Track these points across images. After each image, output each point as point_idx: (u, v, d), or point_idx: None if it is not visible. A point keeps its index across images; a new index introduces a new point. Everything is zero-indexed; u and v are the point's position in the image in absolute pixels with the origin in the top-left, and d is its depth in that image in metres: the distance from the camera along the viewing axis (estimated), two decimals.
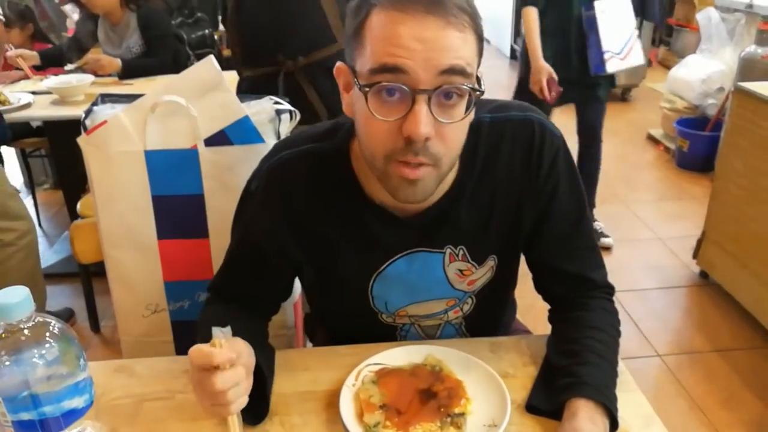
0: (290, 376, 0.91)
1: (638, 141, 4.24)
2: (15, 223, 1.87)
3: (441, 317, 0.99)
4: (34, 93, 2.45)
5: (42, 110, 2.33)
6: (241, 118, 1.15)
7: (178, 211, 1.19)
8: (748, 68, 3.12)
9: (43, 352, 0.58)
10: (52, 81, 2.44)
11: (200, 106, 1.14)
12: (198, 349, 0.71)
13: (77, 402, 0.60)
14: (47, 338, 0.58)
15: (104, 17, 2.81)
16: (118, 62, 2.63)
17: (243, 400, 0.73)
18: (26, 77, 2.79)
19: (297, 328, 1.33)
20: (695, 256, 2.57)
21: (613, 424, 0.78)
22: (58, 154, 2.64)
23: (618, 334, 0.91)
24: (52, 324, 0.60)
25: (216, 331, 0.72)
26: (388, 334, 1.00)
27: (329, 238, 0.90)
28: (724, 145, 2.38)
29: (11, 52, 2.78)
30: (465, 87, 0.71)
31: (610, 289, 0.95)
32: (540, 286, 0.98)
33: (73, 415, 0.60)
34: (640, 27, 4.69)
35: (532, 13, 2.51)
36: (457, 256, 0.91)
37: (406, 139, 0.71)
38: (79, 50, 2.90)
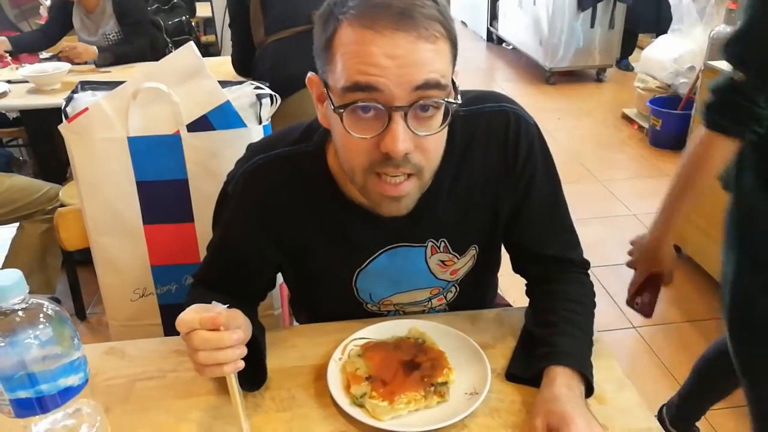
0: (278, 353, 0.94)
1: (613, 120, 4.31)
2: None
3: (425, 305, 1.02)
4: (9, 82, 2.42)
5: (18, 99, 2.31)
6: (223, 103, 1.16)
7: (162, 196, 1.21)
8: (718, 47, 3.17)
9: (38, 332, 0.60)
10: (27, 69, 2.41)
11: (182, 92, 1.15)
12: (203, 308, 0.73)
13: (72, 380, 0.62)
14: (41, 319, 0.60)
15: (78, 3, 2.77)
16: (94, 49, 2.60)
17: (240, 363, 0.75)
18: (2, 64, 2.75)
19: (283, 309, 1.36)
20: None
21: (589, 389, 0.83)
22: (36, 144, 2.62)
23: (593, 305, 0.95)
24: (45, 306, 0.62)
25: (215, 303, 0.74)
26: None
27: (309, 241, 0.91)
28: (695, 122, 2.43)
29: None
30: (441, 101, 0.71)
31: (586, 265, 0.99)
32: (518, 267, 1.01)
33: (68, 393, 0.62)
34: (613, 10, 4.79)
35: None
36: (439, 248, 0.93)
37: (385, 155, 0.71)
38: (51, 37, 2.85)
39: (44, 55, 2.64)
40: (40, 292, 2.12)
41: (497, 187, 0.90)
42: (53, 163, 2.50)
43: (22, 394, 0.61)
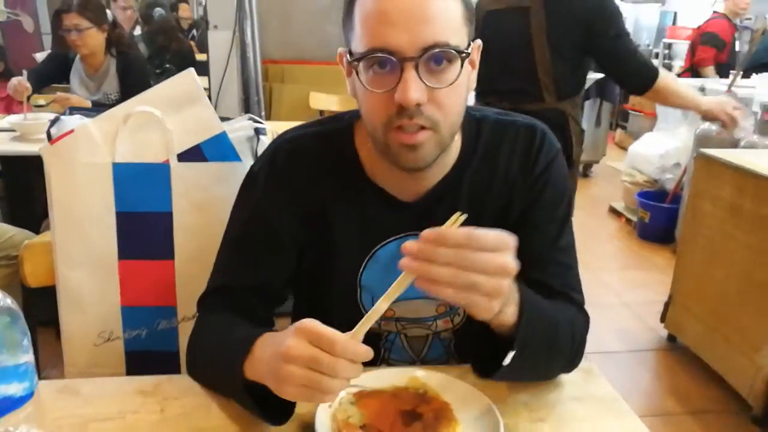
0: None
1: (600, 214, 4.34)
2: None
3: (430, 326, 0.94)
4: None
5: (1, 145, 2.24)
6: (219, 134, 1.10)
7: (143, 229, 1.12)
8: (703, 144, 3.26)
9: None
10: (14, 118, 2.37)
11: (176, 120, 1.09)
12: (321, 330, 0.66)
13: (15, 389, 0.51)
14: None
15: (81, 61, 2.77)
16: (88, 103, 2.57)
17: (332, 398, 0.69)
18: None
19: None
20: (663, 319, 2.57)
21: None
22: (12, 193, 2.52)
23: (576, 332, 0.87)
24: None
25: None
26: (372, 345, 0.93)
27: (328, 218, 0.89)
28: (688, 209, 2.43)
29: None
30: (452, 51, 0.73)
31: (586, 313, 0.92)
32: None
33: (8, 404, 0.51)
34: (599, 109, 4.97)
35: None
36: None
37: (398, 106, 0.73)
38: (39, 82, 2.81)
39: (40, 102, 2.60)
40: None
41: (512, 189, 0.90)
42: (25, 213, 2.39)
43: None
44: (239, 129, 1.14)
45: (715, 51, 4.32)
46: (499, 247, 0.64)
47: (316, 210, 0.88)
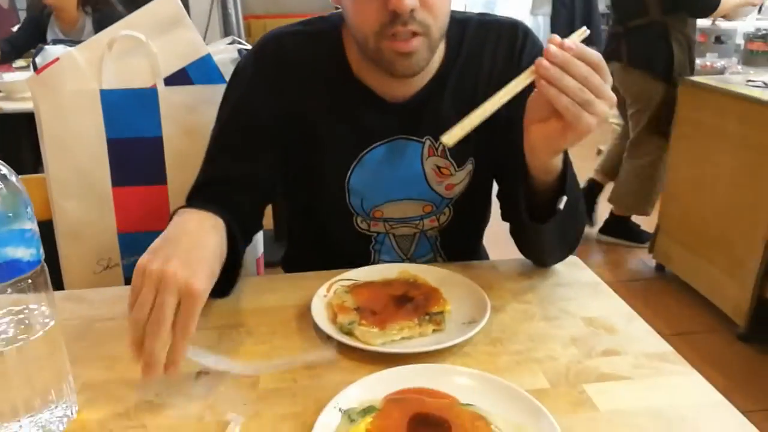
0: (256, 297, 0.86)
1: (589, 156, 4.36)
2: None
3: (417, 224, 0.97)
4: None
5: None
6: (203, 56, 1.11)
7: (134, 155, 1.13)
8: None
9: None
10: None
11: (160, 44, 1.10)
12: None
13: (22, 253, 0.53)
14: None
15: (56, 19, 2.73)
16: None
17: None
18: None
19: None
20: (651, 250, 2.62)
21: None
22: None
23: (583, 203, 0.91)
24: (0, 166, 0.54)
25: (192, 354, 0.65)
26: (363, 248, 0.97)
27: (315, 117, 0.89)
28: (674, 137, 2.46)
29: None
30: None
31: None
32: (508, 216, 0.96)
33: (16, 268, 0.53)
34: None
35: None
36: (437, 150, 0.91)
37: (392, 12, 0.74)
38: (18, 49, 2.79)
39: (19, 63, 2.58)
40: None
41: (499, 82, 0.87)
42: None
43: None
44: (223, 51, 1.15)
45: None
46: (603, 75, 0.67)
47: (301, 109, 0.89)
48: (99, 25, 2.71)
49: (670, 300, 2.42)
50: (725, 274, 2.16)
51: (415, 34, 0.76)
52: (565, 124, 0.68)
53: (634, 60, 2.56)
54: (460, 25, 0.90)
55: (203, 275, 0.64)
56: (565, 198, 0.79)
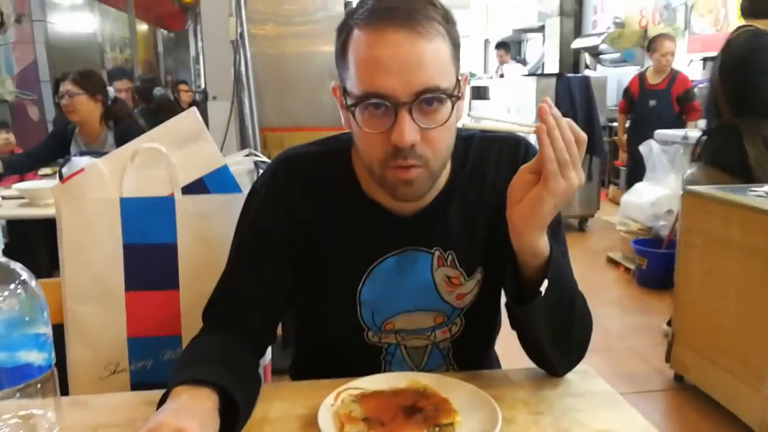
0: (262, 405, 0.85)
1: (599, 264, 4.36)
2: None
3: (428, 336, 0.96)
4: (3, 198, 2.44)
5: (9, 210, 2.31)
6: (220, 167, 1.17)
7: (149, 260, 1.16)
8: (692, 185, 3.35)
9: (6, 293, 0.53)
10: (21, 185, 2.45)
11: (180, 155, 1.16)
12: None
13: (35, 357, 0.54)
14: (11, 279, 0.54)
15: (79, 133, 2.85)
16: None
17: None
18: None
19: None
20: (668, 359, 2.55)
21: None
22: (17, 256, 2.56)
23: (585, 308, 0.93)
24: (19, 268, 0.56)
25: None
26: (373, 360, 0.96)
27: (326, 232, 0.92)
28: (680, 246, 2.47)
29: None
30: (442, 95, 0.79)
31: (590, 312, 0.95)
32: (514, 322, 0.96)
33: (27, 372, 0.54)
34: (590, 164, 5.09)
35: None
36: (446, 260, 0.93)
37: (395, 147, 0.78)
38: (43, 160, 2.91)
39: (44, 171, 2.69)
40: None
41: (502, 193, 0.90)
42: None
43: None
44: (240, 163, 1.20)
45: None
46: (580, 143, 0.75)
47: (312, 226, 0.92)
48: (120, 138, 2.82)
49: (692, 411, 2.32)
50: (747, 386, 2.09)
51: (414, 165, 0.81)
52: (542, 185, 0.74)
53: (710, 160, 2.77)
54: (465, 141, 0.94)
55: (197, 423, 0.66)
56: (546, 282, 0.80)
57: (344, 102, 0.82)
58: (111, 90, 3.00)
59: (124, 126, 2.86)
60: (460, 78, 0.82)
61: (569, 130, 0.74)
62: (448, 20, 0.80)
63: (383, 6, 0.77)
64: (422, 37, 0.76)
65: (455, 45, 0.81)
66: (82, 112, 2.74)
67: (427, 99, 0.78)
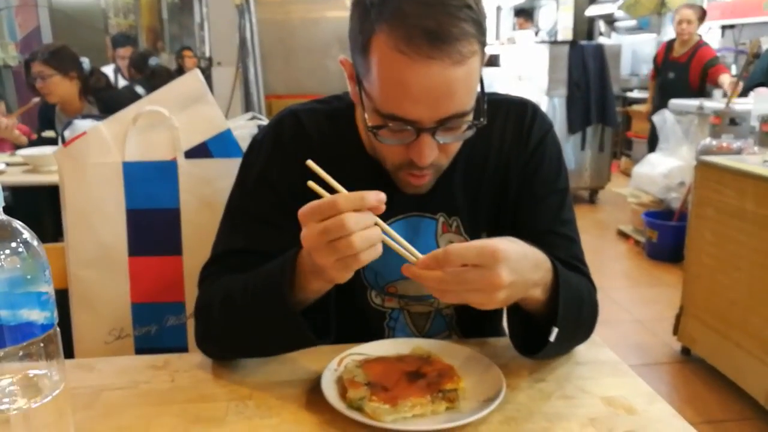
0: (266, 369, 0.84)
1: (609, 237, 4.34)
2: None
3: (431, 303, 0.95)
4: (7, 165, 2.44)
5: (14, 177, 2.30)
6: (223, 131, 1.15)
7: (152, 225, 1.15)
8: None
9: (6, 249, 0.52)
10: (25, 151, 2.43)
11: (182, 118, 1.14)
12: (317, 203, 0.68)
13: (37, 316, 0.53)
14: (13, 237, 0.53)
15: (61, 111, 2.71)
16: None
17: (377, 249, 0.68)
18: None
19: None
20: (675, 332, 2.54)
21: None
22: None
23: (591, 299, 0.89)
24: (21, 226, 0.55)
25: None
26: (377, 324, 0.95)
27: (331, 192, 0.88)
28: (692, 218, 2.44)
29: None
30: (467, 116, 0.77)
31: (593, 285, 0.93)
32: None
33: (30, 330, 0.53)
34: (602, 134, 5.03)
35: None
36: (450, 226, 0.91)
37: (411, 160, 0.78)
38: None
39: (48, 134, 2.65)
40: None
41: (507, 165, 0.92)
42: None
43: None
44: (243, 126, 1.18)
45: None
46: (483, 262, 0.66)
47: (318, 182, 0.90)
48: (106, 109, 2.58)
49: (698, 384, 2.32)
50: (754, 359, 2.08)
51: (428, 174, 0.82)
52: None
53: None
54: None
55: None
56: (555, 330, 0.76)
57: (360, 101, 0.79)
58: (85, 61, 2.81)
59: (107, 96, 2.72)
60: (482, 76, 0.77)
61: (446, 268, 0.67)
62: (481, 25, 0.72)
63: (417, 23, 0.69)
64: (456, 64, 0.70)
65: (484, 45, 0.75)
66: (58, 92, 2.59)
67: (452, 122, 0.75)
